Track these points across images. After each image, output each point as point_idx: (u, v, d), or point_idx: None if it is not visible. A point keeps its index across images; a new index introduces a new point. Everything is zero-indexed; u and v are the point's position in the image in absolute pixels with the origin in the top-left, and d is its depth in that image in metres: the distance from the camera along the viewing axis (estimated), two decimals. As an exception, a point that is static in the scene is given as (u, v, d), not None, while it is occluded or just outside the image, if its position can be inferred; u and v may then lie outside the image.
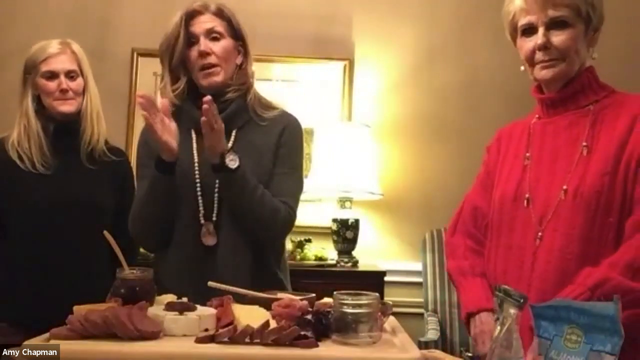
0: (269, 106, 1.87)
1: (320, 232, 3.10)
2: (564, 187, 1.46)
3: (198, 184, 1.74)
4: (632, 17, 3.23)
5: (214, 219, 1.73)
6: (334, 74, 3.28)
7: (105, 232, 1.49)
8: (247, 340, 1.14)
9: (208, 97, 1.60)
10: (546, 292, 1.40)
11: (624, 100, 1.51)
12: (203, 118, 1.60)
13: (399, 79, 3.27)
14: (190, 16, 1.80)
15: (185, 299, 1.33)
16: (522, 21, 1.53)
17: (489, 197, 1.66)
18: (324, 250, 2.99)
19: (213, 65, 1.78)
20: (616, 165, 1.42)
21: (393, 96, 3.28)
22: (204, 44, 1.77)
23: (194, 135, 1.79)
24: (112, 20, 3.25)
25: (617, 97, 1.53)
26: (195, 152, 1.78)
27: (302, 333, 1.14)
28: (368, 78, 3.29)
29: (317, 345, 1.14)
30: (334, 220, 2.97)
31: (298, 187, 1.84)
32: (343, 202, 3.00)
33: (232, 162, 1.66)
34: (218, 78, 1.78)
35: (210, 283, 1.44)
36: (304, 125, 1.92)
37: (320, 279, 2.71)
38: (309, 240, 3.00)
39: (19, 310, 1.97)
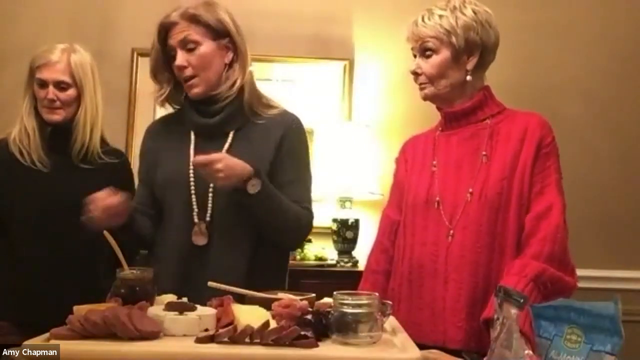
0: (269, 105, 1.86)
1: (320, 232, 3.07)
2: (470, 190, 1.66)
3: (192, 184, 1.76)
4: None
5: (208, 219, 1.75)
6: (334, 74, 3.27)
7: (106, 232, 1.49)
8: (247, 340, 1.14)
9: (196, 160, 1.66)
10: (462, 282, 1.61)
11: (515, 115, 1.73)
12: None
13: (399, 79, 3.25)
14: (167, 28, 1.80)
15: (185, 299, 1.33)
16: (410, 47, 1.81)
17: (401, 206, 1.82)
18: (324, 250, 2.98)
19: (191, 78, 1.79)
20: (512, 171, 1.64)
21: (393, 96, 3.27)
22: (180, 57, 1.78)
23: (192, 137, 1.82)
24: (112, 21, 3.25)
25: (509, 113, 1.75)
26: (192, 152, 1.80)
27: (302, 333, 1.14)
28: (368, 78, 3.29)
29: (317, 345, 1.14)
30: (334, 220, 2.97)
31: (309, 187, 1.88)
32: (343, 202, 2.99)
33: (253, 187, 1.67)
34: (198, 90, 1.79)
35: (210, 283, 1.44)
36: (304, 125, 1.92)
37: (320, 279, 2.71)
38: (309, 241, 2.98)
39: (19, 310, 1.97)
